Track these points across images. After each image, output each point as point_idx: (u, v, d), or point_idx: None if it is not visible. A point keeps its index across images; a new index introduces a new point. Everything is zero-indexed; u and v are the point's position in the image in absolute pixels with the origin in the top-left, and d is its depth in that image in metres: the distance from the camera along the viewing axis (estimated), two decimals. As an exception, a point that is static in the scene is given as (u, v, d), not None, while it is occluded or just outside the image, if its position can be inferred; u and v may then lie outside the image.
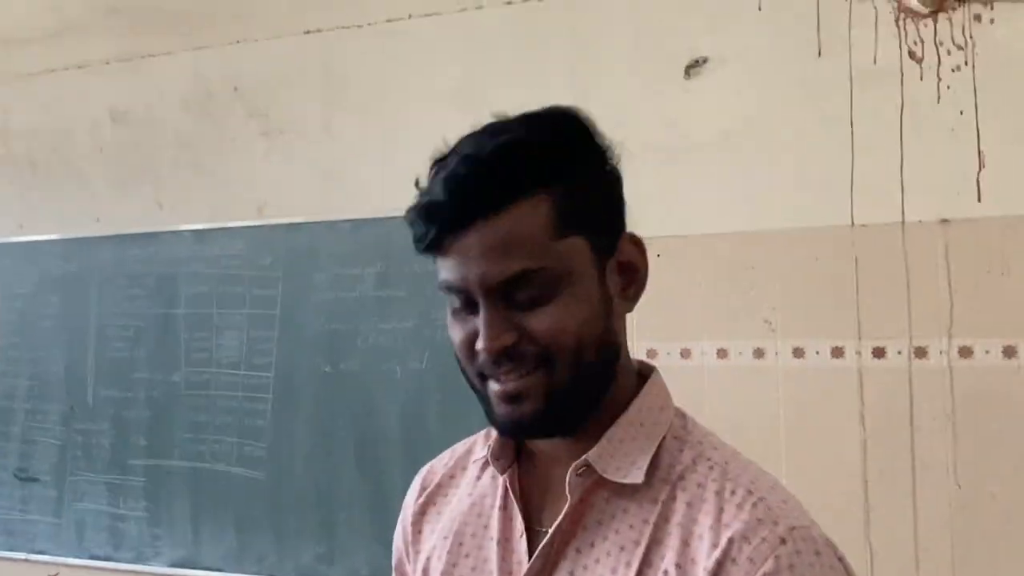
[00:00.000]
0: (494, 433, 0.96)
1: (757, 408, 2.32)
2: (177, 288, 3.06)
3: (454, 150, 0.88)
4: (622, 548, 0.87)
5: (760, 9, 2.37)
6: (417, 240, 0.87)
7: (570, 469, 0.89)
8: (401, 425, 2.69)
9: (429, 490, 1.05)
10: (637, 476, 0.88)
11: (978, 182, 2.17)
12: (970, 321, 2.16)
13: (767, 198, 2.34)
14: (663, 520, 0.86)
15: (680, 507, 0.86)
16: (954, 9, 2.20)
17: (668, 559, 0.84)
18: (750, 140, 2.37)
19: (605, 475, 0.89)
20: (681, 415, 0.95)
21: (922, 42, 2.23)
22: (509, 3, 2.65)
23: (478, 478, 1.01)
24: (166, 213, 3.11)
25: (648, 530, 0.86)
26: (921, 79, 2.23)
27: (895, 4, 2.25)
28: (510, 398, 0.87)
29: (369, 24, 2.84)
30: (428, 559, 0.99)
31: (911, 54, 2.24)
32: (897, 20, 2.25)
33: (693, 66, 2.43)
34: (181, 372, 3.03)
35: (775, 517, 0.83)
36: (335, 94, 2.88)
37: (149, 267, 3.11)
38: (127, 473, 3.09)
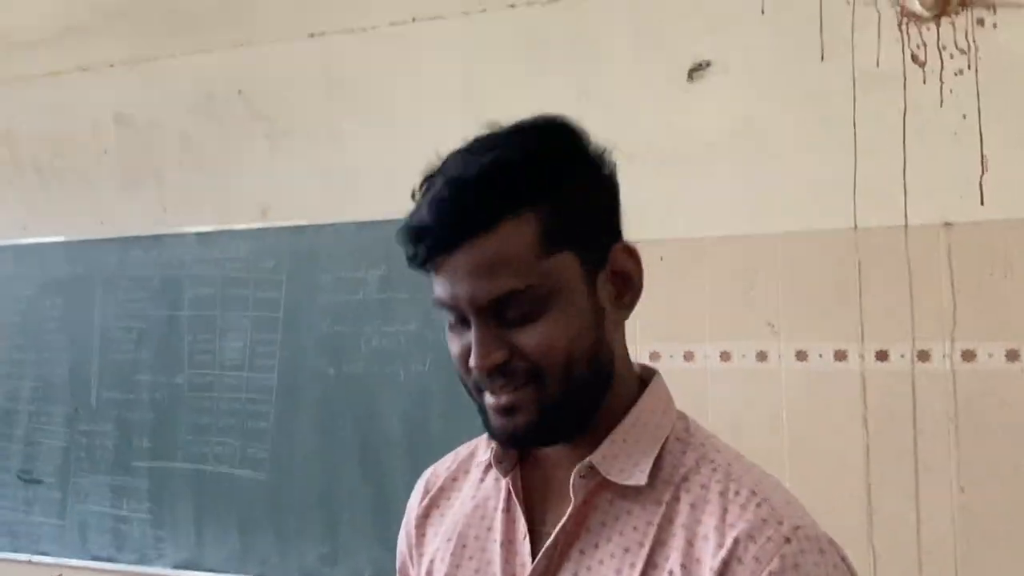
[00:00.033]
0: (495, 436, 0.97)
1: (760, 411, 2.32)
2: (181, 290, 3.06)
3: (441, 169, 0.89)
4: (626, 549, 0.87)
5: (763, 13, 2.38)
6: (408, 258, 0.88)
7: (574, 471, 0.89)
8: (404, 427, 2.70)
9: (432, 493, 1.06)
10: (640, 478, 0.89)
11: (981, 185, 2.17)
12: (973, 324, 2.16)
13: (770, 201, 2.34)
14: (667, 521, 0.87)
15: (684, 508, 0.87)
16: (957, 13, 2.20)
17: (673, 560, 0.85)
18: (753, 143, 2.37)
19: (608, 477, 0.89)
20: (683, 418, 0.96)
21: (925, 46, 2.23)
22: (512, 6, 2.65)
23: (481, 481, 1.01)
24: (170, 216, 3.12)
25: (652, 531, 0.87)
26: (924, 83, 2.23)
27: (898, 8, 2.25)
28: (504, 411, 0.89)
29: (373, 28, 2.84)
30: (432, 561, 1.00)
31: (914, 58, 2.24)
32: (900, 24, 2.26)
33: (696, 69, 2.43)
34: (184, 374, 3.04)
35: (779, 517, 0.84)
36: (339, 97, 2.89)
37: (153, 269, 3.11)
38: (130, 475, 3.10)
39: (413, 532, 1.06)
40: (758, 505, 0.85)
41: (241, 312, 2.96)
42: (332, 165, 2.87)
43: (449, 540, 0.99)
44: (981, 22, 2.19)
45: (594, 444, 0.90)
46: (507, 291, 0.84)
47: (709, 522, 0.85)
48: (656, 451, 0.91)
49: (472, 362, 0.87)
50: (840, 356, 2.27)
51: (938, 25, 2.22)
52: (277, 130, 2.98)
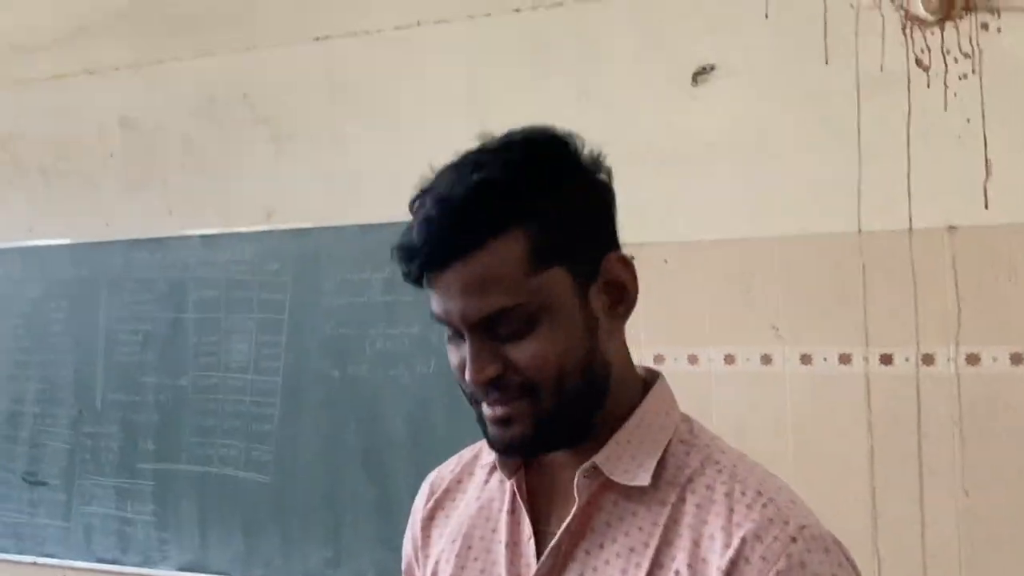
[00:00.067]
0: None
1: (764, 414, 2.32)
2: (186, 293, 3.07)
3: (431, 187, 0.90)
4: (632, 549, 0.88)
5: (767, 17, 2.38)
6: (403, 275, 0.90)
7: (578, 471, 0.90)
8: (408, 429, 2.70)
9: (437, 495, 1.06)
10: (644, 478, 0.90)
11: (985, 189, 2.17)
12: (977, 328, 2.16)
13: (774, 204, 2.34)
14: (673, 522, 0.88)
15: (690, 509, 0.88)
16: (961, 17, 2.20)
17: (679, 560, 0.86)
18: (757, 147, 2.37)
19: (612, 477, 0.90)
20: (687, 420, 0.96)
21: (929, 50, 2.23)
22: (517, 11, 2.66)
23: (486, 482, 1.02)
24: (175, 218, 3.13)
25: (658, 532, 0.88)
26: (928, 87, 2.23)
27: (902, 12, 2.25)
28: (500, 422, 0.90)
29: (378, 31, 2.85)
30: (437, 563, 1.01)
31: (918, 62, 2.24)
32: (904, 28, 2.26)
33: (700, 73, 2.44)
34: (189, 376, 3.04)
35: (785, 517, 0.85)
36: (344, 100, 2.90)
37: (158, 272, 3.12)
38: (135, 477, 3.10)
39: (419, 534, 1.06)
40: (764, 505, 0.86)
41: (246, 314, 2.97)
42: (336, 168, 2.88)
43: (454, 541, 1.00)
44: (985, 26, 2.19)
45: (598, 447, 0.91)
46: (497, 309, 0.86)
47: (715, 522, 0.86)
48: (659, 452, 0.91)
49: (467, 376, 0.89)
50: (844, 360, 2.27)
51: (942, 29, 2.22)
52: (281, 133, 2.99)
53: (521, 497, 0.96)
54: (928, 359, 2.20)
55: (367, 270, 2.78)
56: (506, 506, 0.97)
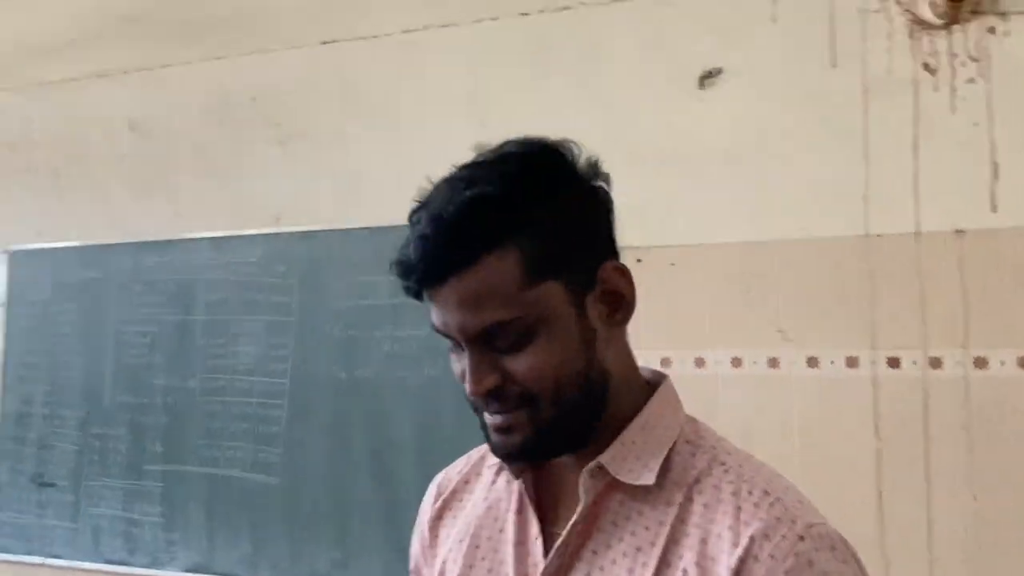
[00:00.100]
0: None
1: (771, 417, 2.32)
2: (194, 295, 3.08)
3: (426, 203, 0.91)
4: (638, 549, 0.89)
5: (774, 21, 2.38)
6: (402, 289, 0.93)
7: (583, 471, 0.91)
8: (415, 431, 2.71)
9: (445, 496, 1.07)
10: (649, 478, 0.90)
11: (992, 192, 2.17)
12: (985, 331, 2.16)
13: (781, 208, 2.35)
14: (680, 522, 0.88)
15: (697, 509, 0.88)
16: (968, 21, 2.20)
17: (687, 559, 0.86)
18: (764, 150, 2.37)
19: (618, 476, 0.91)
20: (692, 421, 0.97)
21: (936, 54, 2.23)
22: (524, 15, 2.67)
23: (493, 483, 1.03)
24: (184, 221, 3.14)
25: (665, 531, 0.88)
26: (935, 90, 2.23)
27: (909, 16, 2.26)
28: (501, 430, 0.92)
29: (385, 35, 2.86)
30: (444, 563, 1.01)
31: (925, 66, 2.24)
32: (911, 32, 2.26)
33: (707, 77, 2.44)
34: (197, 378, 3.05)
35: (792, 516, 0.86)
36: (351, 104, 2.91)
37: (166, 274, 3.13)
38: (143, 478, 3.11)
39: (427, 534, 1.07)
40: (771, 504, 0.86)
41: (254, 317, 2.98)
42: (344, 171, 2.89)
43: (462, 541, 1.00)
44: (992, 30, 2.19)
45: (603, 448, 0.92)
46: (493, 322, 0.87)
47: (723, 521, 0.86)
48: (664, 452, 0.92)
49: (467, 387, 0.91)
50: (852, 363, 2.27)
51: (949, 33, 2.22)
52: (290, 136, 3.00)
53: (528, 497, 0.96)
54: (936, 362, 2.19)
55: (375, 273, 2.79)
56: (513, 506, 0.98)
